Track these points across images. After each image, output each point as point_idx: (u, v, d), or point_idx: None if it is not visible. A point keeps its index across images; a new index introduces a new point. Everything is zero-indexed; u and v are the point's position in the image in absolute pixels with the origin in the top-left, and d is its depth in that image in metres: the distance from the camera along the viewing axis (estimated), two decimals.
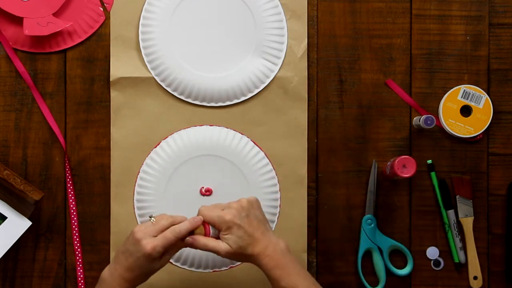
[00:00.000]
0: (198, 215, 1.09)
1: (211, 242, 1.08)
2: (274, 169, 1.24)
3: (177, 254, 1.22)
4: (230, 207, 1.08)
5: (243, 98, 1.25)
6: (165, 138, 1.24)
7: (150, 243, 1.04)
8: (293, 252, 1.23)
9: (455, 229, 1.24)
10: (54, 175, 1.24)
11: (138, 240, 1.05)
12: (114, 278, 1.07)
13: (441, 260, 1.26)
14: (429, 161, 1.25)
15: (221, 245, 1.07)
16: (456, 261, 1.25)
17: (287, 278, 1.06)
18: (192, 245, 1.08)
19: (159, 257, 1.06)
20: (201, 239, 1.08)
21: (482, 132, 1.25)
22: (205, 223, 1.09)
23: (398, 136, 1.26)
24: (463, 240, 1.26)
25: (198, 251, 1.23)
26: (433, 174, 1.25)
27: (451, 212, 1.25)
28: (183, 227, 1.07)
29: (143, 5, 1.24)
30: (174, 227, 1.07)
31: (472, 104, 1.25)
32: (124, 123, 1.24)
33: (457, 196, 1.25)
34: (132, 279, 1.07)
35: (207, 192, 1.23)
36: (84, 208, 1.24)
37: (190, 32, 1.24)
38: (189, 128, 1.25)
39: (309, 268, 1.24)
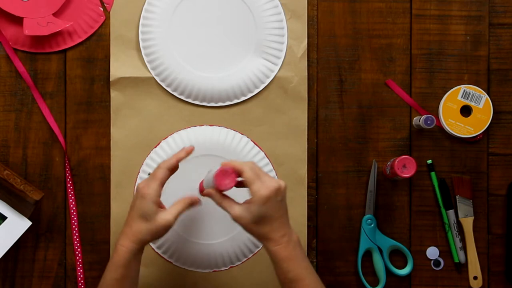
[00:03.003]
0: (238, 166, 1.07)
1: (226, 201, 1.08)
2: (274, 169, 1.24)
3: (177, 254, 1.22)
4: (271, 183, 1.05)
5: (243, 98, 1.25)
6: (165, 138, 1.24)
7: (144, 183, 1.09)
8: None
9: (455, 229, 1.25)
10: (54, 175, 1.24)
11: (137, 188, 1.09)
12: (119, 239, 1.09)
13: (441, 260, 1.26)
14: (429, 161, 1.25)
15: (236, 210, 1.07)
16: (456, 261, 1.25)
17: (295, 270, 1.06)
18: (210, 197, 1.10)
19: (157, 200, 1.08)
20: (217, 195, 1.09)
21: (482, 132, 1.26)
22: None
23: (398, 136, 1.26)
24: (463, 240, 1.26)
25: (198, 251, 1.23)
26: (433, 174, 1.25)
27: (451, 212, 1.25)
28: (169, 161, 1.10)
29: (143, 5, 1.24)
30: (161, 163, 1.10)
31: (472, 104, 1.25)
32: (124, 123, 1.24)
33: (457, 196, 1.25)
34: (134, 234, 1.07)
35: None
36: (84, 208, 1.24)
37: (190, 32, 1.24)
38: (189, 128, 1.25)
39: None
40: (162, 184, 1.09)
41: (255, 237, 1.08)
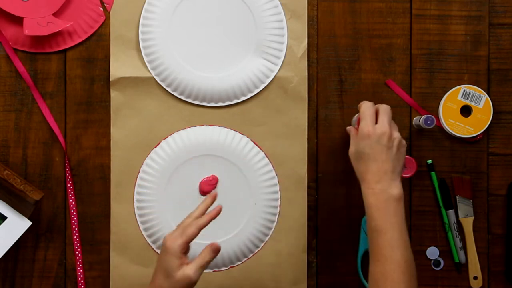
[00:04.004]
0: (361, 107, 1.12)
1: (353, 131, 1.13)
2: (274, 169, 1.24)
3: None
4: (380, 125, 1.09)
5: (243, 98, 1.25)
6: (165, 138, 1.24)
7: (170, 236, 1.04)
8: (293, 252, 1.24)
9: (455, 229, 1.24)
10: (54, 175, 1.24)
11: (163, 240, 1.05)
12: None
13: (441, 260, 1.26)
14: (429, 161, 1.25)
15: (350, 143, 1.12)
16: (456, 261, 1.25)
17: (379, 221, 1.05)
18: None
19: (181, 256, 1.03)
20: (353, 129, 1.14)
21: (482, 132, 1.25)
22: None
23: None
24: (463, 240, 1.25)
25: (198, 251, 1.23)
26: (433, 174, 1.25)
27: (451, 212, 1.25)
28: (202, 220, 1.06)
29: (143, 5, 1.24)
30: (194, 218, 1.06)
31: (472, 104, 1.25)
32: (124, 123, 1.24)
33: (457, 196, 1.25)
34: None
35: (213, 180, 1.23)
36: (84, 208, 1.24)
37: (190, 32, 1.24)
38: (189, 128, 1.25)
39: (309, 268, 1.24)
40: (190, 241, 1.04)
41: (357, 175, 1.09)
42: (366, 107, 1.11)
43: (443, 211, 1.25)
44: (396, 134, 1.09)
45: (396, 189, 1.06)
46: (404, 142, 1.10)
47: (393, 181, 1.07)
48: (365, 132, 1.08)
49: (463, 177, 1.25)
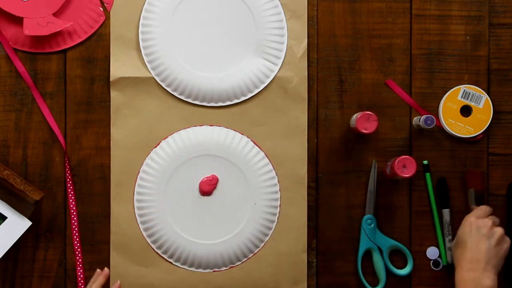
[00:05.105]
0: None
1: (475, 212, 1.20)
2: (274, 169, 1.24)
3: (177, 254, 1.22)
4: (485, 219, 1.16)
5: (243, 98, 1.25)
6: (165, 138, 1.24)
7: None
8: (293, 252, 1.24)
9: (447, 229, 1.24)
10: (54, 175, 1.24)
11: None
12: None
13: (440, 260, 1.25)
14: (425, 162, 1.25)
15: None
16: (444, 263, 1.24)
17: None
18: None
19: None
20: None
21: (482, 132, 1.26)
22: None
23: (398, 136, 1.26)
24: None
25: (198, 251, 1.23)
26: (427, 175, 1.25)
27: (446, 212, 1.24)
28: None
29: (143, 5, 1.24)
30: None
31: (472, 104, 1.25)
32: (124, 123, 1.24)
33: (471, 190, 1.24)
34: None
35: (213, 180, 1.23)
36: (84, 208, 1.24)
37: (190, 32, 1.24)
38: (189, 128, 1.25)
39: (309, 268, 1.24)
40: None
41: (454, 261, 1.17)
42: (480, 207, 1.19)
43: (435, 211, 1.24)
44: (499, 229, 1.15)
45: (488, 280, 1.10)
46: (508, 239, 1.15)
47: (486, 271, 1.11)
48: (467, 221, 1.16)
49: (476, 170, 1.25)
